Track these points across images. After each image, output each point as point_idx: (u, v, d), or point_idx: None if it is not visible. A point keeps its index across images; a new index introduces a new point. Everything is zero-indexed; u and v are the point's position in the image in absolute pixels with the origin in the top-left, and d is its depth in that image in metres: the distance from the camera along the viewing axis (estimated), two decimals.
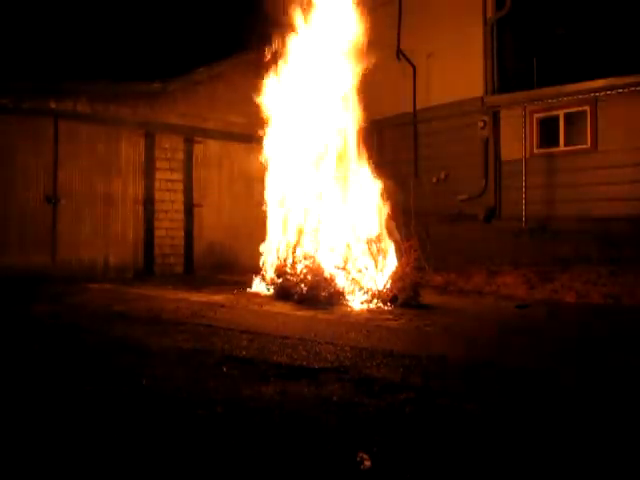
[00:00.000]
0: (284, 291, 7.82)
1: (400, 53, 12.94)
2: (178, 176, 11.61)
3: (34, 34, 10.51)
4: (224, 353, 4.47)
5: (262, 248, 8.89)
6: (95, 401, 3.31)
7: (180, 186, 11.63)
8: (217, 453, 2.58)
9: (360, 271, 7.84)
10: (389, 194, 8.35)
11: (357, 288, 7.57)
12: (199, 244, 11.76)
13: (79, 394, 3.44)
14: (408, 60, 12.81)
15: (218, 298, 7.70)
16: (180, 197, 11.63)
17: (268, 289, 8.26)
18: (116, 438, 2.75)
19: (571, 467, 2.48)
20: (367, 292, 7.52)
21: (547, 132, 11.18)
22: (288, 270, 8.17)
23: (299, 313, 6.67)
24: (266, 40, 8.71)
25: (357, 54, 8.41)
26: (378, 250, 8.02)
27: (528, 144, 11.27)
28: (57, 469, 2.43)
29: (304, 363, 4.15)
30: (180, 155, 11.65)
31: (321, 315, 6.50)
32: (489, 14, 11.91)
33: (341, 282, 7.64)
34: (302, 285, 7.70)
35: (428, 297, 7.69)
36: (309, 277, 7.77)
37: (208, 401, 3.28)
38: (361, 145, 8.50)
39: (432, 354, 4.55)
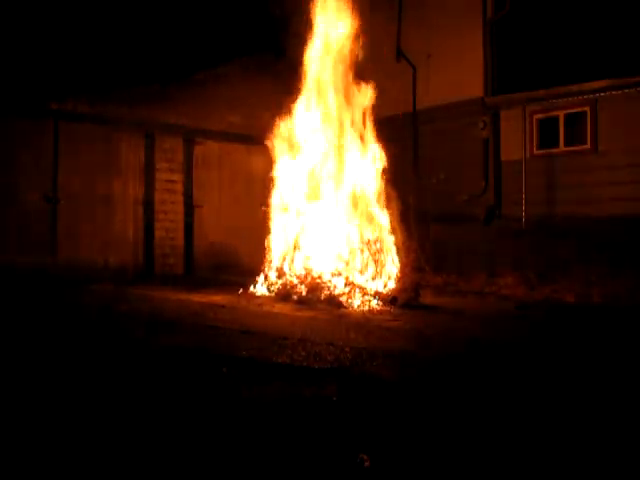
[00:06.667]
0: (284, 292, 7.82)
1: (400, 53, 12.93)
2: (178, 177, 11.61)
3: (35, 35, 10.50)
4: (224, 353, 4.47)
5: (262, 249, 8.89)
6: (96, 401, 3.31)
7: (180, 187, 11.62)
8: (218, 454, 2.58)
9: (360, 272, 7.84)
10: (389, 195, 8.36)
11: (357, 289, 7.56)
12: (199, 245, 11.75)
13: (79, 395, 3.44)
14: (408, 60, 12.80)
15: (218, 299, 7.70)
16: (180, 198, 11.62)
17: (268, 290, 8.26)
18: (117, 438, 2.75)
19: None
20: (367, 293, 7.51)
21: (547, 133, 11.18)
22: (288, 271, 8.18)
23: (299, 314, 6.67)
24: (267, 42, 8.70)
25: (357, 55, 8.43)
26: (378, 251, 8.03)
27: (528, 145, 11.26)
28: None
29: (304, 363, 4.14)
30: (180, 156, 11.65)
31: (321, 316, 6.50)
32: (489, 14, 11.91)
33: (341, 283, 7.64)
34: (302, 286, 7.70)
35: (428, 298, 7.70)
36: (309, 278, 7.77)
37: (208, 402, 3.29)
38: (361, 146, 8.50)
39: (432, 355, 4.55)
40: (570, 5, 11.64)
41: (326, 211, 8.33)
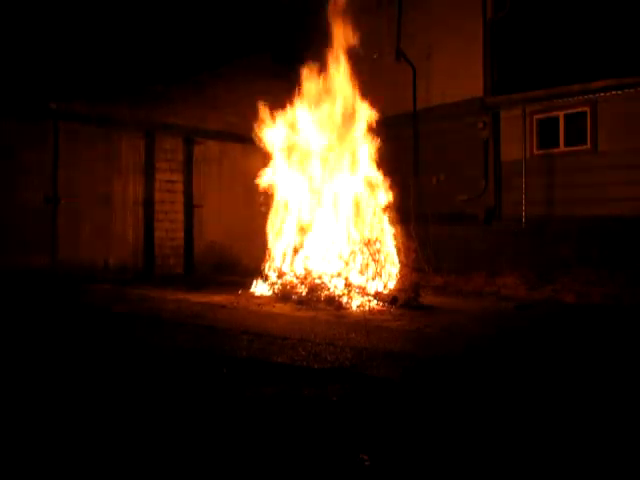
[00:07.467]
0: (284, 292, 7.82)
1: (400, 53, 12.92)
2: (178, 177, 11.61)
3: (35, 35, 10.50)
4: (225, 354, 4.47)
5: (262, 249, 8.88)
6: (95, 403, 3.31)
7: (180, 187, 11.63)
8: (219, 454, 2.58)
9: (360, 272, 7.84)
10: (389, 195, 8.36)
11: (357, 289, 7.56)
12: (199, 245, 11.75)
13: (79, 396, 3.44)
14: (408, 60, 12.80)
15: (218, 299, 7.70)
16: (180, 198, 11.62)
17: (268, 290, 8.26)
18: (116, 439, 2.75)
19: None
20: (367, 293, 7.51)
21: (547, 133, 11.18)
22: (288, 271, 8.17)
23: (299, 314, 6.67)
24: (267, 42, 8.70)
25: (357, 55, 8.43)
26: (378, 251, 8.02)
27: (528, 145, 11.26)
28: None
29: (304, 364, 4.14)
30: (180, 156, 11.65)
31: (321, 316, 6.50)
32: (489, 14, 11.91)
33: (341, 283, 7.64)
34: (302, 286, 7.69)
35: (428, 298, 7.69)
36: (309, 278, 7.77)
37: (209, 402, 3.28)
38: (362, 146, 8.50)
39: (432, 355, 4.55)
40: (570, 5, 11.65)
41: (326, 211, 8.33)
